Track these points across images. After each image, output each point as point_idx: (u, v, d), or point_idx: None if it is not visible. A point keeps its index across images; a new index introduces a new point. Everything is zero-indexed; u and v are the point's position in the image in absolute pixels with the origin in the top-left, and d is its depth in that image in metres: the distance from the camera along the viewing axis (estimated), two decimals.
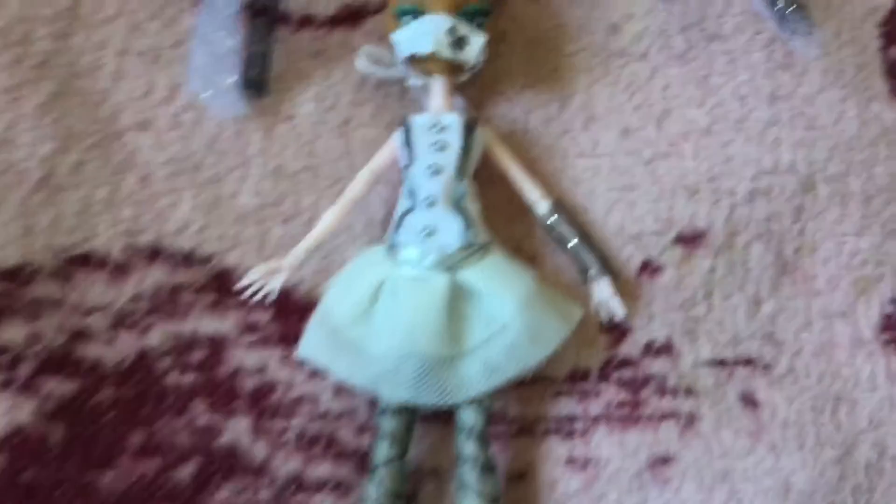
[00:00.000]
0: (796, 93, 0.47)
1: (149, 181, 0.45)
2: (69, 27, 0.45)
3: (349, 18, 0.47)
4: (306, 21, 0.47)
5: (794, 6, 0.42)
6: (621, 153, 0.47)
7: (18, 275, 0.43)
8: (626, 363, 0.45)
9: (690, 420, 0.45)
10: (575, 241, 0.45)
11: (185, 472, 0.43)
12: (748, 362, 0.46)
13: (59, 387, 0.43)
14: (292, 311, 0.45)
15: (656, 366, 0.45)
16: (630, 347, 0.45)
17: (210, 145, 0.45)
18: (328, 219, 0.44)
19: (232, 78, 0.45)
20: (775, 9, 0.42)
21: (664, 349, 0.45)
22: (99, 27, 0.45)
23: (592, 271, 0.45)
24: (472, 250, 0.43)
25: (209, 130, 0.45)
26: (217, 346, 0.44)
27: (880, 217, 0.47)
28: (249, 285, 0.44)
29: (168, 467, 0.43)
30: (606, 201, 0.46)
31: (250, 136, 0.46)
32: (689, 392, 0.45)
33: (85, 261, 0.44)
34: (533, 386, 0.45)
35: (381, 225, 0.45)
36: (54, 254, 0.44)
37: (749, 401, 0.45)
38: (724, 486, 0.44)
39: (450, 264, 0.42)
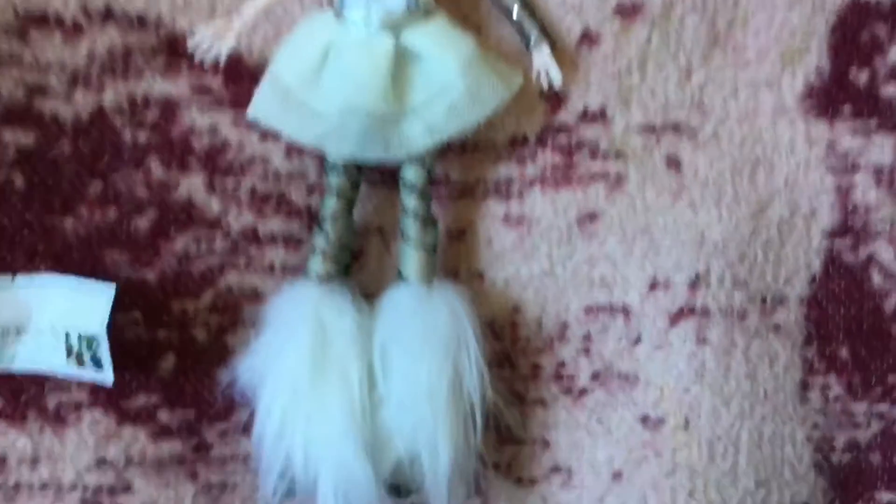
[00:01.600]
0: None
1: None
2: None
3: None
4: None
5: None
6: None
7: None
8: (562, 129, 0.47)
9: (618, 180, 0.47)
10: (517, 10, 0.45)
11: (143, 221, 0.45)
12: (676, 128, 0.47)
13: (19, 137, 0.44)
14: (243, 75, 0.45)
15: (590, 132, 0.47)
16: (566, 114, 0.47)
17: None
18: None
19: None
20: None
21: (598, 116, 0.47)
22: None
23: (533, 39, 0.45)
24: (416, 13, 0.43)
25: None
26: (170, 107, 0.45)
27: None
28: (199, 47, 0.44)
29: (126, 216, 0.45)
30: None
31: None
32: (619, 155, 0.47)
33: (41, 21, 0.44)
34: (474, 152, 0.47)
35: None
36: (11, 12, 0.44)
37: (673, 163, 0.47)
38: (645, 238, 0.47)
39: (394, 26, 0.43)
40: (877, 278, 0.47)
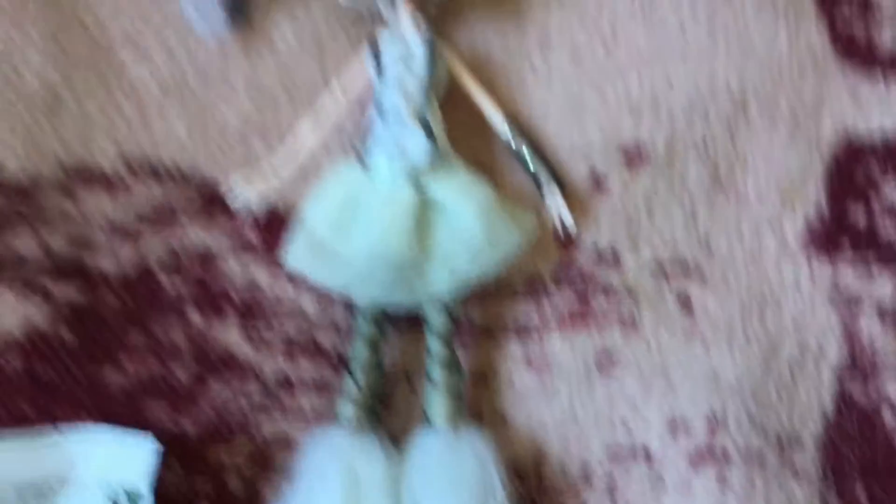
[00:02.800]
0: (733, 20, 0.48)
1: (143, 103, 0.46)
2: None
3: None
4: None
5: None
6: (572, 76, 0.48)
7: (28, 188, 0.44)
8: (576, 270, 0.47)
9: (632, 321, 0.47)
10: (529, 155, 0.46)
11: (182, 371, 0.45)
12: (685, 269, 0.47)
13: (68, 292, 0.45)
14: (276, 224, 0.46)
15: (603, 273, 0.47)
16: (580, 255, 0.47)
17: (197, 69, 0.46)
18: (306, 135, 0.45)
19: (217, 3, 0.45)
20: None
21: (610, 257, 0.47)
22: None
23: (545, 185, 0.46)
24: (436, 164, 0.44)
25: (197, 55, 0.46)
26: (208, 257, 0.46)
27: (806, 134, 0.48)
28: (237, 198, 0.45)
29: (166, 366, 0.45)
30: (558, 119, 0.47)
31: (234, 58, 0.47)
32: (632, 296, 0.47)
33: (87, 177, 0.45)
34: (494, 294, 0.47)
35: (354, 143, 0.46)
36: (60, 169, 0.45)
37: (685, 303, 0.47)
38: (662, 379, 0.46)
39: (416, 176, 0.44)
40: (888, 416, 0.47)
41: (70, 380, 0.44)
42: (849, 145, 0.48)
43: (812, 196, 0.48)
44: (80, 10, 0.46)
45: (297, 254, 0.45)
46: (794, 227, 0.48)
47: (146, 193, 0.46)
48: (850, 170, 0.48)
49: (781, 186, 0.48)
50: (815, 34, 0.48)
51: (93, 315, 0.45)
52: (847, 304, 0.48)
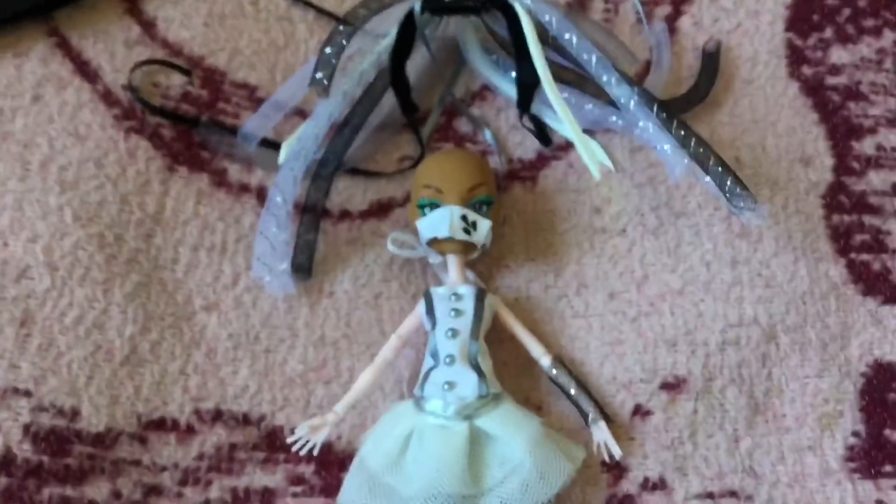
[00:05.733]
0: (754, 257, 0.53)
1: (214, 353, 0.50)
2: (153, 229, 0.52)
3: (379, 211, 0.54)
4: (344, 214, 0.54)
5: (739, 186, 0.48)
6: (609, 313, 0.52)
7: (104, 439, 0.48)
8: (626, 499, 0.48)
9: None
10: (574, 389, 0.49)
11: None
12: (733, 494, 0.49)
13: None
14: (333, 462, 0.49)
15: (653, 500, 0.48)
16: (629, 484, 0.49)
17: (265, 321, 0.51)
18: (364, 379, 0.49)
19: (285, 264, 0.51)
20: (725, 189, 0.48)
21: (659, 485, 0.49)
22: (177, 228, 0.52)
23: (591, 416, 0.49)
24: (486, 400, 0.47)
25: (264, 308, 0.51)
26: (268, 497, 0.48)
27: (836, 360, 0.51)
28: (297, 440, 0.48)
29: None
30: (599, 354, 0.51)
31: (298, 311, 0.52)
32: None
33: (159, 425, 0.49)
34: None
35: (408, 383, 0.50)
36: (134, 420, 0.48)
37: None
38: None
39: (468, 413, 0.47)
40: None
41: None
42: (879, 369, 0.51)
43: (849, 418, 0.50)
44: (159, 269, 0.51)
45: (352, 490, 0.47)
46: (834, 450, 0.49)
47: (213, 439, 0.49)
48: (883, 392, 0.50)
49: (818, 410, 0.50)
50: (833, 271, 0.53)
51: None
52: None
